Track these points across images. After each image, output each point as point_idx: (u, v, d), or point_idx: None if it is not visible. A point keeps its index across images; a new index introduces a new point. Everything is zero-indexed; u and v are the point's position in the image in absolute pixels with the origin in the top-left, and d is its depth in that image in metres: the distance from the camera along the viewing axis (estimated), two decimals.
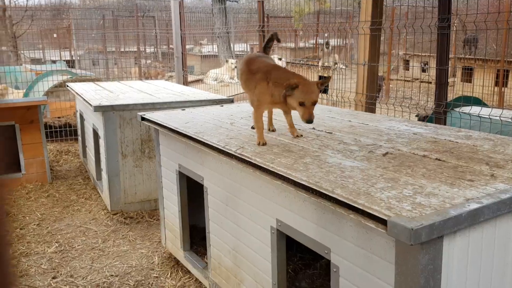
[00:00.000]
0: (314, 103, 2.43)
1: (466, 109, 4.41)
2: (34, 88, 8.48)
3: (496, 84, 9.66)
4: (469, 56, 11.72)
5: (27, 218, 4.79)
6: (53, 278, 3.60)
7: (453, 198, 1.68)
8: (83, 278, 3.60)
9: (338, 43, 12.74)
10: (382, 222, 1.55)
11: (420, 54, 11.74)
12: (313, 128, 3.03)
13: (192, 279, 3.53)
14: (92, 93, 5.52)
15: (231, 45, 16.64)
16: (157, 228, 4.42)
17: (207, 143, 2.75)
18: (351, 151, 2.41)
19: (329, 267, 2.03)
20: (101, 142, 4.83)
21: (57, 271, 3.71)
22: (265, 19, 6.80)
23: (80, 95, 5.43)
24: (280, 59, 13.05)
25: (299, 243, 2.23)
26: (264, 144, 2.55)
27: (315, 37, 14.47)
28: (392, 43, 10.51)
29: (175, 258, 3.79)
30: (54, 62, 12.01)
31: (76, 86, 6.26)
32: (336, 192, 1.79)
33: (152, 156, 4.77)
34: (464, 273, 1.71)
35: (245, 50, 16.20)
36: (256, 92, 2.63)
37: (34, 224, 4.63)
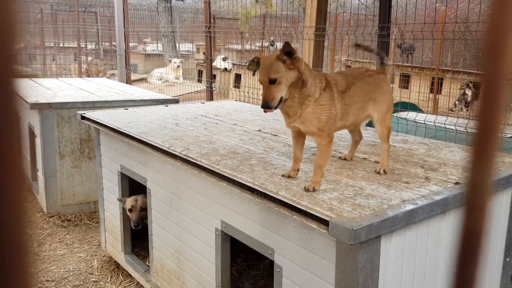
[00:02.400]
0: (270, 80, 1.78)
1: (403, 114, 4.62)
2: None
3: (431, 91, 10.19)
4: (407, 64, 12.29)
5: None
6: None
7: (390, 200, 1.76)
8: None
9: None
10: (324, 222, 1.59)
11: (361, 60, 12.17)
12: (259, 130, 3.05)
13: (133, 282, 3.44)
14: (28, 89, 5.25)
15: (177, 45, 16.44)
16: (97, 231, 4.28)
17: (151, 144, 2.70)
18: None
19: (272, 267, 2.06)
20: (38, 141, 4.60)
21: None
22: (211, 20, 6.78)
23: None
24: (224, 59, 13.05)
25: (243, 244, 2.24)
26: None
27: (261, 40, 14.61)
28: (335, 49, 10.82)
29: (115, 261, 3.68)
30: None
31: None
32: (280, 194, 1.82)
33: (92, 157, 4.61)
34: (400, 270, 1.79)
35: (191, 50, 16.06)
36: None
37: None
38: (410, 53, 13.27)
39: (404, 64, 12.35)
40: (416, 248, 1.84)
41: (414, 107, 5.65)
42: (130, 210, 3.40)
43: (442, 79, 10.30)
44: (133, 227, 3.40)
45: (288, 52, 1.79)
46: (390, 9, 4.11)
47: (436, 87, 9.92)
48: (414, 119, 3.99)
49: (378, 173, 2.07)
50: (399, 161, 2.34)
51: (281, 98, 1.79)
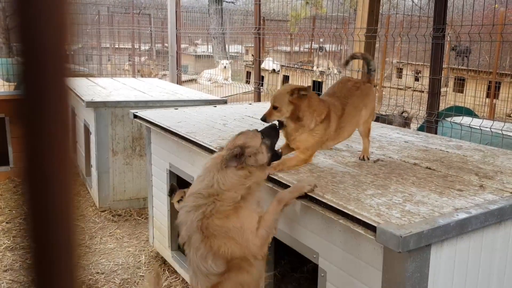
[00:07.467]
0: (274, 107, 2.23)
1: (457, 119, 4.45)
2: None
3: (488, 95, 9.76)
4: (462, 67, 11.82)
5: (14, 212, 4.74)
6: None
7: (442, 207, 1.70)
8: None
9: (333, 49, 12.79)
10: (371, 228, 1.56)
11: (413, 63, 11.83)
12: None
13: (179, 279, 3.51)
14: (85, 88, 5.48)
15: (226, 46, 16.64)
16: (145, 227, 4.40)
17: (199, 143, 2.74)
18: (343, 156, 2.42)
19: (316, 271, 2.04)
20: (92, 138, 4.80)
21: None
22: (261, 22, 6.81)
23: (72, 90, 5.39)
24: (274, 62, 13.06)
25: (287, 246, 2.23)
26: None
27: (310, 42, 14.52)
28: (386, 51, 10.58)
29: (162, 257, 3.77)
30: None
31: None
32: (326, 197, 1.79)
33: (143, 154, 4.74)
34: (450, 282, 1.72)
35: (240, 51, 16.20)
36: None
37: (21, 218, 4.57)
38: (466, 56, 12.76)
39: (459, 67, 11.89)
40: (468, 259, 1.76)
41: (469, 112, 5.43)
42: (178, 202, 3.46)
43: (499, 83, 9.84)
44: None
45: (301, 89, 2.14)
46: (446, 10, 3.97)
47: (493, 91, 9.48)
48: (469, 125, 3.83)
49: (361, 159, 2.34)
50: (452, 167, 2.25)
51: (279, 122, 2.19)
